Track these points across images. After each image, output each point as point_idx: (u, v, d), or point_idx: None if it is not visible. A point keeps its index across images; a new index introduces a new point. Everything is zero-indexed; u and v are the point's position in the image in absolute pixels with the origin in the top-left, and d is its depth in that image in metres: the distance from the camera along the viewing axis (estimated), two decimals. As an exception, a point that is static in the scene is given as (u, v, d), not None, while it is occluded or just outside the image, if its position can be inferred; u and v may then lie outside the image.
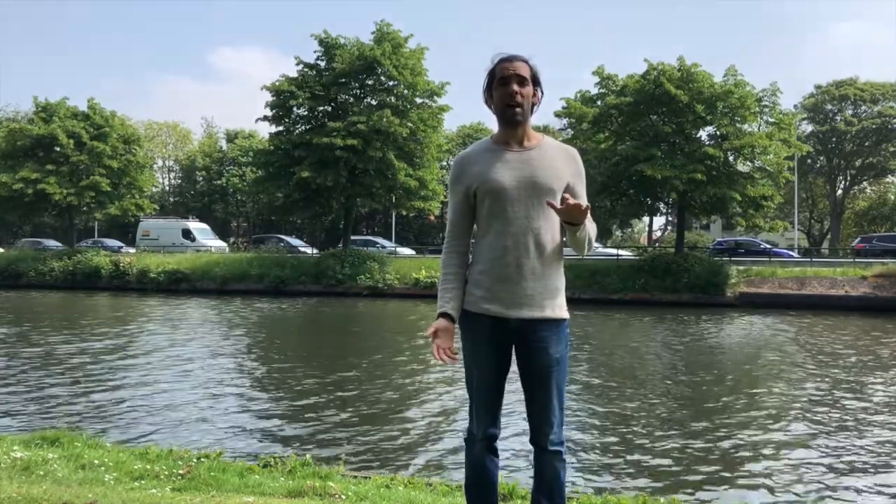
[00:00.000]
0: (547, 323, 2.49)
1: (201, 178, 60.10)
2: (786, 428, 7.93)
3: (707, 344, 15.60)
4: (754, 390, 10.10)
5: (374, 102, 31.03)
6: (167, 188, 64.40)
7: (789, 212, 45.22)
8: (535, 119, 2.62)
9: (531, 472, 2.60)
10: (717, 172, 25.81)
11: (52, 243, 43.68)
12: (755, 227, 27.97)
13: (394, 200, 32.59)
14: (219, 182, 56.60)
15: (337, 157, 28.54)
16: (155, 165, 56.30)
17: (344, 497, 3.76)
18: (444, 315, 2.52)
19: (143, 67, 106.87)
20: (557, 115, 45.98)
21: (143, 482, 3.94)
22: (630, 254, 34.50)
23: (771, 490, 5.93)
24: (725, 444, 7.24)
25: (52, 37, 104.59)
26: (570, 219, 2.36)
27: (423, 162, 31.51)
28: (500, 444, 2.65)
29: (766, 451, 6.99)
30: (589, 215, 2.42)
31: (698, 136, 27.70)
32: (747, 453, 6.93)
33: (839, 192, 51.81)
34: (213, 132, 65.31)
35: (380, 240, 42.70)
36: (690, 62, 26.67)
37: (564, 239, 2.57)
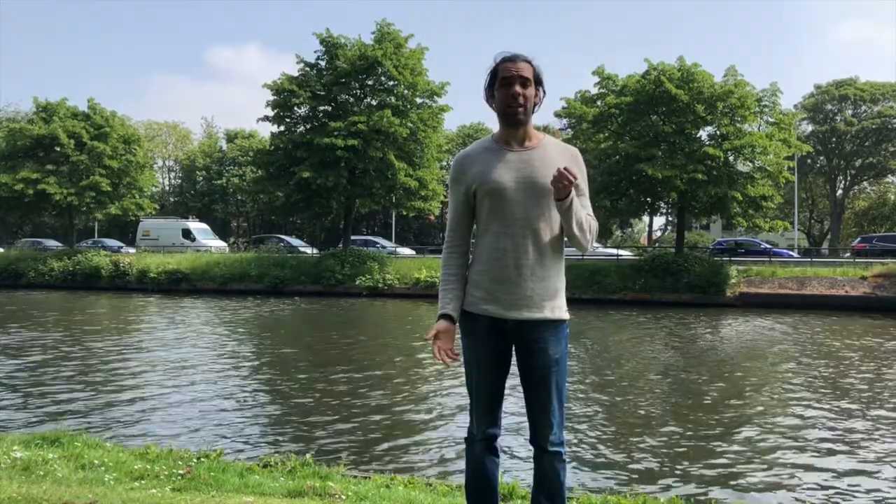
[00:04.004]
0: (546, 324, 2.48)
1: (201, 178, 60.08)
2: (786, 428, 7.92)
3: (707, 344, 15.60)
4: (754, 391, 10.10)
5: (374, 102, 31.06)
6: (167, 188, 64.41)
7: (789, 212, 45.21)
8: (536, 119, 2.62)
9: (531, 472, 2.60)
10: (717, 172, 25.80)
11: (52, 243, 43.67)
12: (755, 227, 27.97)
13: (394, 200, 32.60)
14: (219, 182, 56.59)
15: (337, 157, 28.56)
16: (155, 165, 56.29)
17: (344, 497, 3.76)
18: (444, 316, 2.51)
19: (141, 67, 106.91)
20: (558, 115, 46.04)
21: (143, 482, 3.94)
22: (630, 254, 34.50)
23: (771, 490, 5.93)
24: (726, 443, 7.24)
25: (52, 37, 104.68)
26: (557, 193, 2.38)
27: (423, 162, 31.53)
28: (500, 445, 2.65)
29: (766, 451, 6.99)
30: (580, 203, 2.47)
31: (698, 136, 27.70)
32: (747, 453, 6.93)
33: (839, 192, 51.81)
34: (212, 132, 65.35)
35: (380, 240, 42.71)
36: (690, 62, 26.71)
37: (566, 239, 2.57)
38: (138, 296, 28.81)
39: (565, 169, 2.34)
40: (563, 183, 2.34)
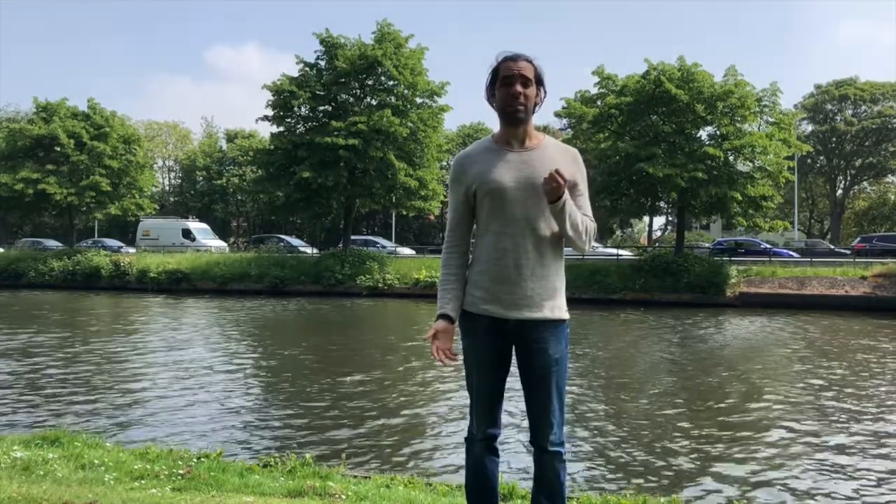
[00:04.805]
0: (546, 324, 2.48)
1: (201, 178, 60.10)
2: (786, 428, 7.92)
3: (707, 344, 15.60)
4: (754, 390, 10.10)
5: (374, 102, 31.06)
6: (167, 188, 64.41)
7: (789, 212, 45.21)
8: (536, 119, 2.62)
9: (531, 472, 2.60)
10: (717, 172, 25.80)
11: (52, 243, 43.67)
12: (755, 226, 27.97)
13: (394, 200, 32.59)
14: (219, 182, 56.60)
15: (338, 157, 28.56)
16: (155, 165, 56.29)
17: (344, 497, 3.76)
18: (443, 316, 2.51)
19: (141, 67, 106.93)
20: (558, 115, 46.05)
21: (143, 482, 3.94)
22: (630, 254, 34.49)
23: (772, 490, 5.92)
24: (726, 443, 7.24)
25: (52, 37, 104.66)
26: (549, 195, 2.39)
27: (423, 162, 31.53)
28: (500, 445, 2.65)
29: (766, 451, 6.99)
30: (579, 204, 2.49)
31: (698, 135, 27.70)
32: (748, 453, 6.92)
33: (839, 192, 51.83)
34: (212, 132, 65.36)
35: (380, 240, 42.70)
36: (690, 62, 26.70)
37: (565, 239, 2.57)
38: (138, 296, 28.80)
39: (556, 171, 2.35)
40: (552, 185, 2.35)
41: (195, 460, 4.49)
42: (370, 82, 31.20)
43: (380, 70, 30.17)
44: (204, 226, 44.22)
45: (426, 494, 3.98)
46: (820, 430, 7.83)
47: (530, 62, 2.51)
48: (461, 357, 2.57)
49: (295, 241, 43.42)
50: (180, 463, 4.40)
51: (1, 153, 35.53)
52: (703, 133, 27.95)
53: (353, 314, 22.00)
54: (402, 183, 30.18)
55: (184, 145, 64.78)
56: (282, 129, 32.06)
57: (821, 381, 10.76)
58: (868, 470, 6.45)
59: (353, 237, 35.46)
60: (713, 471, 6.38)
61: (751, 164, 27.42)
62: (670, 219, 54.26)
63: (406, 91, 30.85)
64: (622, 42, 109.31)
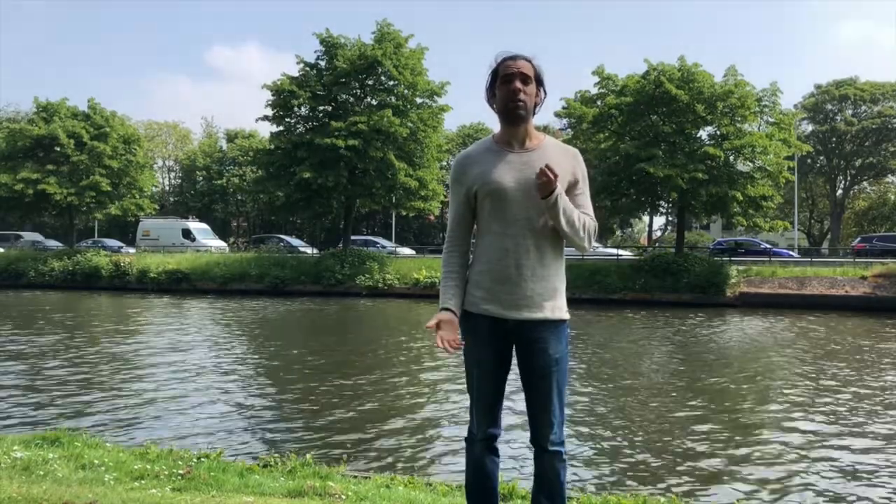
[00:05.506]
0: (546, 324, 2.48)
1: (201, 178, 60.07)
2: (786, 427, 7.92)
3: (707, 344, 15.60)
4: (754, 390, 10.10)
5: (374, 102, 31.06)
6: (167, 188, 64.38)
7: (789, 212, 45.19)
8: (536, 119, 2.61)
9: (531, 472, 2.59)
10: (717, 172, 25.80)
11: (52, 243, 43.64)
12: (755, 226, 27.97)
13: (394, 200, 32.60)
14: (219, 182, 56.58)
15: (338, 157, 28.56)
16: (155, 165, 56.25)
17: (344, 497, 3.76)
18: (445, 310, 2.51)
19: (141, 67, 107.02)
20: (557, 115, 46.04)
21: (143, 482, 3.94)
22: (630, 254, 34.50)
23: (772, 490, 5.92)
24: (726, 443, 7.23)
25: (52, 37, 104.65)
26: (540, 191, 2.38)
27: (423, 162, 31.53)
28: (500, 444, 2.65)
29: (766, 451, 6.98)
30: (578, 203, 2.49)
31: (698, 135, 27.70)
32: (749, 453, 6.92)
33: (839, 192, 51.79)
34: (212, 132, 65.34)
35: (380, 240, 42.73)
36: (691, 62, 26.70)
37: (565, 237, 2.57)
38: (138, 296, 28.80)
39: (547, 166, 2.35)
40: (542, 180, 2.35)
41: (195, 460, 4.49)
42: (370, 82, 31.19)
43: (380, 70, 30.16)
44: (204, 226, 44.22)
45: (426, 494, 3.98)
46: (824, 430, 7.82)
47: (529, 61, 2.51)
48: (464, 349, 2.56)
49: (295, 241, 43.45)
50: (180, 463, 4.40)
51: (1, 153, 35.49)
52: (704, 133, 27.97)
53: (353, 314, 22.00)
54: (402, 183, 30.19)
55: (184, 145, 64.74)
56: (282, 129, 32.06)
57: (823, 381, 10.76)
58: (872, 469, 6.44)
59: (353, 237, 35.46)
60: (714, 471, 6.38)
61: (751, 164, 27.41)
62: (670, 219, 54.25)
63: (406, 91, 30.84)
64: (622, 42, 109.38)
